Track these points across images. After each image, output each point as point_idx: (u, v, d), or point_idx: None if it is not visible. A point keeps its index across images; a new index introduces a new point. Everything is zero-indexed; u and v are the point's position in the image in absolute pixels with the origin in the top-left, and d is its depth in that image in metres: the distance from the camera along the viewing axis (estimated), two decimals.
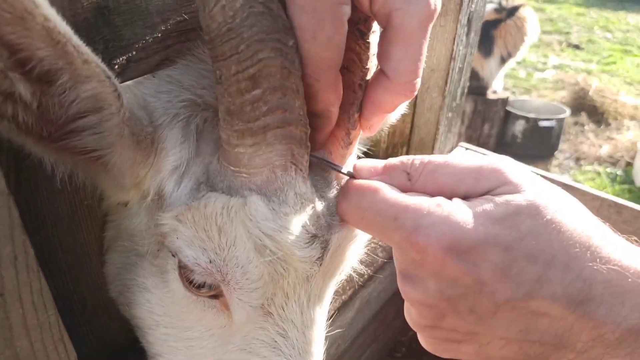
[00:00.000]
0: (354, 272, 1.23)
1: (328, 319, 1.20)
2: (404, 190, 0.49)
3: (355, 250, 0.57)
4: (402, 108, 0.70)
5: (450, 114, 1.36)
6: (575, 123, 5.03)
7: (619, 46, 7.16)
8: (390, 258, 1.43)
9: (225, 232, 0.48)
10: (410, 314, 0.54)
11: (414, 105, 1.27)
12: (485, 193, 0.46)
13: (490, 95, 4.13)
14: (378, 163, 0.54)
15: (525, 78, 5.91)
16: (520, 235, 0.42)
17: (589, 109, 5.16)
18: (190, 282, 0.53)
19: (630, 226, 1.39)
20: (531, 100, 5.05)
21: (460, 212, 0.44)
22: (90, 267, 0.72)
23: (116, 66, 0.58)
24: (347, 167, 0.56)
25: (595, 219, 0.46)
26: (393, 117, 0.68)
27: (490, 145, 4.16)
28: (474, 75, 3.62)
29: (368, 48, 0.49)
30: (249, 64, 0.42)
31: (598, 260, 0.41)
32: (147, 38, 0.58)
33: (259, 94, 0.44)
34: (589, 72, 6.07)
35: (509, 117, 4.33)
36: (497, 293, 0.43)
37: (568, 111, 4.58)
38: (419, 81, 0.48)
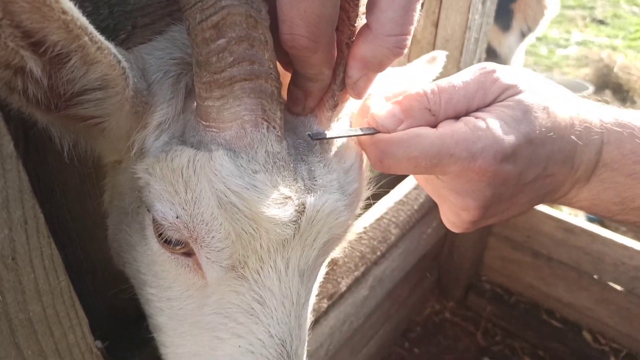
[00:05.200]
0: (366, 247, 1.22)
1: (338, 298, 1.19)
2: (433, 125, 0.54)
3: (340, 221, 0.52)
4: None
5: None
6: (599, 101, 4.87)
7: None
8: (404, 235, 1.41)
9: (191, 186, 0.47)
10: (458, 218, 0.60)
11: None
12: (494, 101, 0.54)
13: None
14: (393, 108, 0.54)
15: (547, 55, 5.73)
16: (534, 127, 0.52)
17: (614, 86, 4.97)
18: (162, 238, 0.52)
19: None
20: (553, 77, 4.90)
21: (496, 127, 0.51)
22: (99, 237, 0.72)
23: (122, 33, 0.57)
24: (334, 130, 0.53)
25: (572, 95, 0.60)
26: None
27: None
28: (491, 52, 3.50)
29: (357, 5, 0.48)
30: (212, 12, 0.41)
31: (577, 125, 0.56)
32: (152, 3, 0.57)
33: (223, 44, 0.43)
34: (613, 48, 5.84)
35: None
36: (528, 176, 0.54)
37: (591, 88, 4.43)
38: (407, 39, 0.46)
